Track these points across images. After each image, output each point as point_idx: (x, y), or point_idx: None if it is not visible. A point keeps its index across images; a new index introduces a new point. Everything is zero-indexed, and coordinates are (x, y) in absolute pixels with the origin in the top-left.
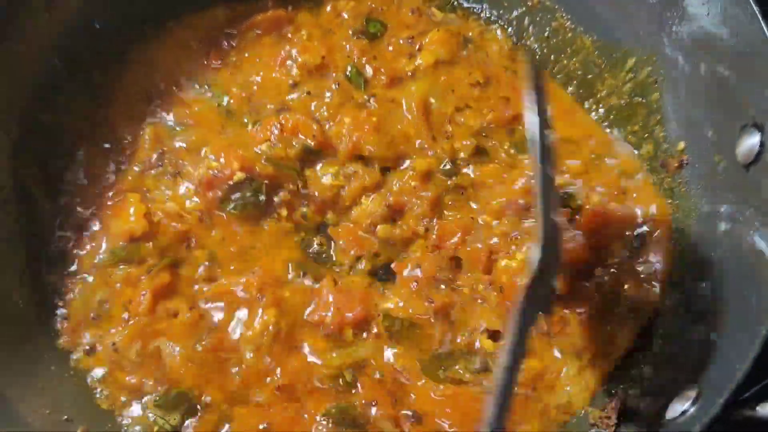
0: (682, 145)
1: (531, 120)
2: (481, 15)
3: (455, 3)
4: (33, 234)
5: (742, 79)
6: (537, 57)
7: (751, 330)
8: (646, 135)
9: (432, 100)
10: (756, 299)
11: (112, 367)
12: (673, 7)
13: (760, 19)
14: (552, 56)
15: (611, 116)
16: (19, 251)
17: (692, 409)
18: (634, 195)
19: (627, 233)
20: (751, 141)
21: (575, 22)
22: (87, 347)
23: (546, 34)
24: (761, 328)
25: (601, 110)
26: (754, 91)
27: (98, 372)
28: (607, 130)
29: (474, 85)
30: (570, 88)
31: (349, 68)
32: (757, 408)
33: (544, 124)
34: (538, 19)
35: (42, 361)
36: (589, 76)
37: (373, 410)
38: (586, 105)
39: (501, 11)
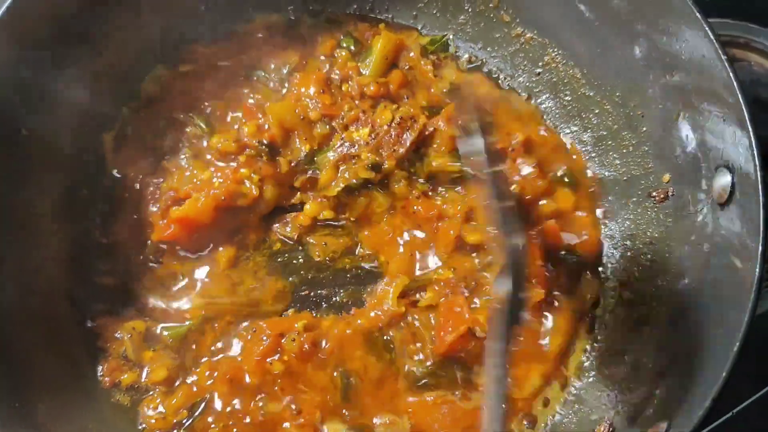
0: (667, 177)
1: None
2: (476, 56)
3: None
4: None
5: (714, 121)
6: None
7: (718, 365)
8: (635, 166)
9: None
10: (723, 334)
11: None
12: (650, 48)
13: (727, 65)
14: (543, 90)
15: (600, 145)
16: (68, 278)
17: None
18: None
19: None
20: (724, 180)
21: (566, 56)
22: (127, 388)
23: (538, 71)
24: (725, 364)
25: (591, 138)
26: (725, 133)
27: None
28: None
29: None
30: (562, 118)
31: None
32: None
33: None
34: (531, 55)
35: (85, 398)
36: (581, 108)
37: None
38: (576, 131)
39: (496, 47)
